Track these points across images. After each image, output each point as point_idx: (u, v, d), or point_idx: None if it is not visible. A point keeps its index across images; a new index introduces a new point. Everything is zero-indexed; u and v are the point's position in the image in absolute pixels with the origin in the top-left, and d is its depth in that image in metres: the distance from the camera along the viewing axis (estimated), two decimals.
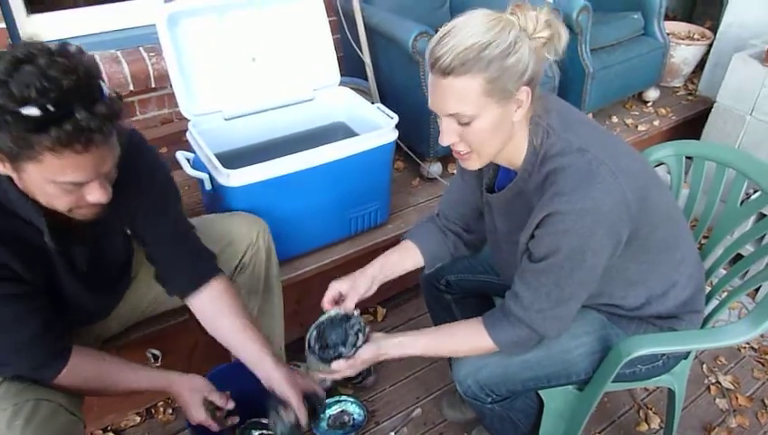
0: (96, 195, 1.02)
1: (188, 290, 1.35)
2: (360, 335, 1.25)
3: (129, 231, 1.34)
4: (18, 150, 0.91)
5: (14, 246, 1.07)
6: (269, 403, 1.33)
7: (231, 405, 1.37)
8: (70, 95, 0.90)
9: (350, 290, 1.33)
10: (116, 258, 1.36)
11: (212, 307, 1.36)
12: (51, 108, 0.88)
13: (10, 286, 1.09)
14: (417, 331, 1.29)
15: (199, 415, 1.32)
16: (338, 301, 1.33)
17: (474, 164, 1.17)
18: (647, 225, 1.15)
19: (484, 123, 1.08)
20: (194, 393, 1.33)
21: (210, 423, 1.33)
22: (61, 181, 0.97)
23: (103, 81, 0.98)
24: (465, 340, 1.26)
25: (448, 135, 1.12)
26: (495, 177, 1.30)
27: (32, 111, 0.88)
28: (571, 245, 1.08)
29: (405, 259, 1.43)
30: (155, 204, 1.29)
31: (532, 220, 1.11)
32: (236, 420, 1.41)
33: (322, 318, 1.28)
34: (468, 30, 1.03)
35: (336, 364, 1.22)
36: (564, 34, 1.08)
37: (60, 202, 1.02)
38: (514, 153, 1.16)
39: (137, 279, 1.47)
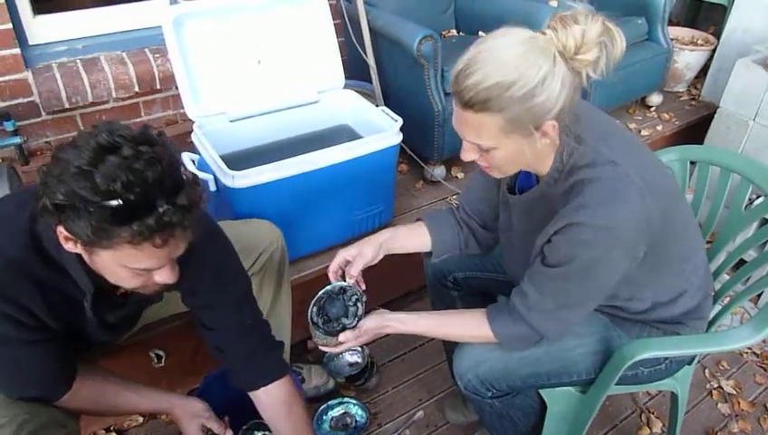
0: (164, 277, 1.02)
1: (249, 386, 1.33)
2: (360, 305, 1.27)
3: (188, 307, 1.32)
4: (96, 239, 0.90)
5: (49, 295, 1.06)
6: None
7: (228, 434, 1.41)
8: (154, 188, 0.89)
9: (357, 256, 1.32)
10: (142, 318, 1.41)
11: (277, 407, 1.33)
12: (134, 201, 0.87)
13: (36, 335, 1.09)
14: (420, 312, 1.30)
15: None
16: (344, 271, 1.32)
17: (495, 175, 1.18)
18: (663, 240, 1.15)
19: (503, 153, 1.08)
20: (192, 419, 1.37)
21: None
22: (134, 268, 0.97)
23: (183, 165, 0.98)
24: (466, 326, 1.27)
25: (468, 154, 1.12)
26: (516, 177, 1.30)
27: (115, 204, 0.86)
28: (586, 257, 1.08)
29: (414, 236, 1.43)
30: (219, 290, 1.26)
31: (552, 225, 1.11)
32: None
33: (320, 293, 1.29)
34: (495, 63, 0.98)
35: (343, 336, 1.23)
36: (620, 45, 1.00)
37: (129, 283, 1.02)
38: (540, 164, 1.15)
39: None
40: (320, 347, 1.28)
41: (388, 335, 1.29)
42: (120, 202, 0.86)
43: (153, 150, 0.91)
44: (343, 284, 1.29)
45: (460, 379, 1.33)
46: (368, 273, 1.35)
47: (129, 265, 0.96)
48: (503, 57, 0.99)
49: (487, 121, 1.02)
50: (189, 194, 0.94)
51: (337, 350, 1.27)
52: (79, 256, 1.01)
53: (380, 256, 1.36)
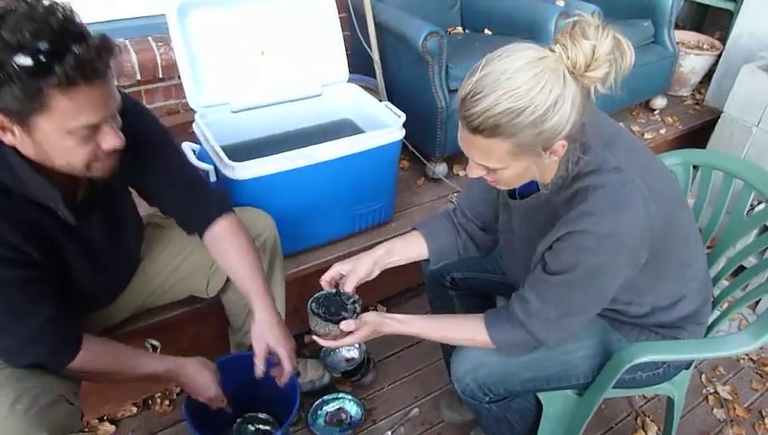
0: (110, 140, 1.03)
1: (201, 229, 1.39)
2: (357, 306, 1.26)
3: (137, 191, 1.35)
4: (28, 103, 0.91)
5: (26, 230, 1.06)
6: None
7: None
8: (62, 33, 0.91)
9: (351, 272, 1.31)
10: (128, 228, 1.37)
11: (220, 242, 1.39)
12: (48, 48, 0.89)
13: (25, 271, 1.08)
14: (418, 315, 1.29)
15: (218, 391, 1.38)
16: (337, 283, 1.32)
17: (501, 188, 1.18)
18: (665, 245, 1.14)
19: (510, 173, 1.07)
20: (207, 372, 1.37)
21: (223, 404, 1.40)
22: (75, 127, 0.97)
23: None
24: (463, 331, 1.25)
25: (475, 172, 1.10)
26: None
27: (30, 56, 0.88)
28: (589, 264, 1.07)
29: (410, 248, 1.41)
30: (157, 153, 1.30)
31: (554, 232, 1.09)
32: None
33: (318, 294, 1.29)
34: (503, 89, 0.95)
35: (345, 324, 1.21)
36: (629, 58, 0.98)
37: (78, 156, 1.02)
38: (545, 174, 1.14)
39: (141, 267, 1.47)
40: (319, 340, 1.27)
41: (384, 334, 1.27)
42: (35, 53, 0.88)
43: (47, 4, 0.93)
44: (339, 290, 1.30)
45: (458, 383, 1.33)
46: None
47: (69, 125, 0.96)
48: (513, 82, 0.95)
49: (496, 146, 1.00)
50: (102, 40, 0.96)
51: (336, 343, 1.26)
52: (30, 163, 1.02)
53: (376, 273, 1.34)
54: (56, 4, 0.94)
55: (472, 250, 1.45)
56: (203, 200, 1.40)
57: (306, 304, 1.27)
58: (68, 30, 0.92)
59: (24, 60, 0.88)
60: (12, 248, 1.04)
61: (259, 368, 1.36)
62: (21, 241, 1.05)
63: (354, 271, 1.30)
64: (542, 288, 1.14)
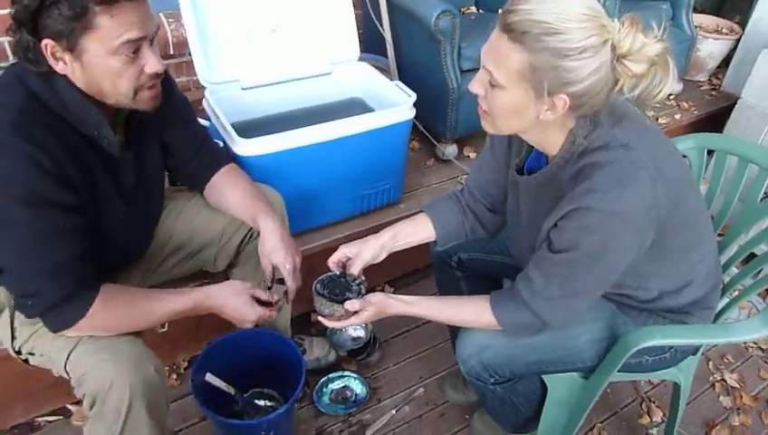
0: (152, 63, 1.10)
1: (204, 183, 1.47)
2: (362, 287, 1.27)
3: (163, 147, 1.39)
4: (74, 22, 0.99)
5: (70, 152, 1.09)
6: None
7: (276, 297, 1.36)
8: None
9: (357, 256, 1.32)
10: (156, 174, 1.39)
11: (223, 184, 1.46)
12: None
13: (63, 193, 1.08)
14: (427, 296, 1.29)
15: (257, 311, 1.29)
16: (344, 264, 1.33)
17: (486, 127, 1.14)
18: (671, 229, 1.13)
19: (506, 98, 1.04)
20: (239, 296, 1.29)
21: (271, 313, 1.32)
22: (118, 45, 1.04)
23: None
24: (469, 311, 1.25)
25: (477, 85, 1.08)
26: (526, 158, 1.27)
27: None
28: (593, 243, 1.06)
29: (417, 231, 1.41)
30: (180, 113, 1.40)
31: (558, 210, 1.08)
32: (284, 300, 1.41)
33: (323, 276, 1.30)
34: (554, 5, 0.95)
35: (350, 304, 1.21)
36: (668, 85, 0.99)
37: (125, 80, 1.09)
38: (549, 142, 1.13)
39: (157, 234, 1.49)
40: (324, 321, 1.27)
41: (389, 315, 1.27)
42: None
43: None
44: (344, 271, 1.31)
45: (463, 364, 1.33)
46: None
47: (113, 43, 1.03)
48: (565, 6, 0.95)
49: (513, 55, 0.98)
50: None
51: (341, 323, 1.26)
52: (78, 91, 1.09)
53: (382, 256, 1.35)
54: None
55: (480, 232, 1.45)
56: (211, 152, 1.48)
57: (312, 285, 1.27)
58: None
59: None
60: (51, 158, 1.05)
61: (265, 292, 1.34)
62: (65, 159, 1.07)
63: (360, 255, 1.32)
64: (546, 266, 1.13)
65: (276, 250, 1.36)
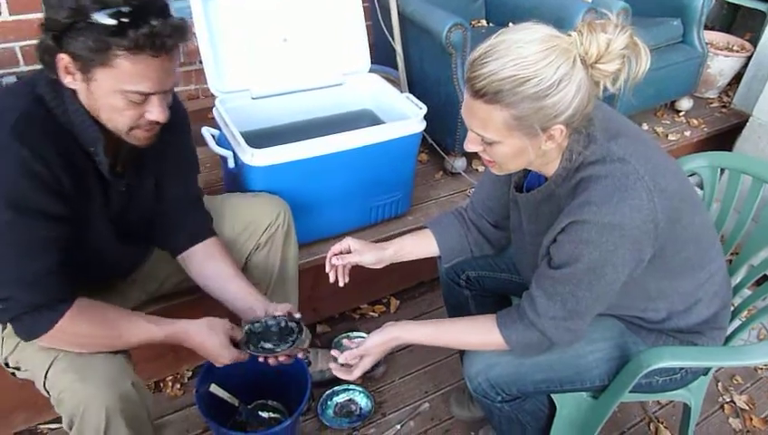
0: (156, 113, 1.09)
1: (186, 245, 1.41)
2: (292, 324, 1.32)
3: (155, 184, 1.35)
4: (95, 55, 1.00)
5: (67, 161, 1.09)
6: None
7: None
8: (147, 4, 1.00)
9: (357, 253, 1.34)
10: (143, 212, 1.35)
11: (204, 258, 1.41)
12: (130, 13, 0.98)
13: (58, 206, 1.08)
14: (429, 320, 1.28)
15: (232, 353, 1.26)
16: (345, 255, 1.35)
17: (496, 171, 1.16)
18: (673, 246, 1.12)
19: (505, 149, 1.06)
20: (217, 335, 1.26)
21: (244, 357, 1.28)
22: (128, 90, 1.04)
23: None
24: (475, 333, 1.24)
25: (472, 145, 1.10)
26: (525, 176, 1.27)
27: (111, 17, 0.97)
28: (591, 257, 1.05)
29: (420, 246, 1.42)
30: (183, 164, 1.39)
31: (557, 224, 1.08)
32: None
33: (250, 330, 1.31)
34: (512, 56, 0.96)
35: (342, 357, 1.24)
36: (644, 63, 0.99)
37: (122, 117, 1.09)
38: (546, 165, 1.13)
39: (155, 254, 1.48)
40: (336, 372, 1.29)
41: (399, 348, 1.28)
42: (117, 14, 0.97)
43: None
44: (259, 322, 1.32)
45: (470, 381, 1.31)
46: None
47: (124, 86, 1.03)
48: (522, 51, 0.96)
49: (495, 115, 1.00)
50: (181, 21, 1.05)
51: (350, 374, 1.27)
52: (81, 106, 1.09)
53: (382, 265, 1.37)
54: None
55: (486, 248, 1.44)
56: (202, 215, 1.45)
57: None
58: (154, 3, 1.01)
59: (105, 18, 0.97)
60: (46, 166, 1.05)
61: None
62: (60, 168, 1.07)
63: (359, 252, 1.34)
64: (547, 285, 1.12)
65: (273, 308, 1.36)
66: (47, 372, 1.15)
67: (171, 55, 1.06)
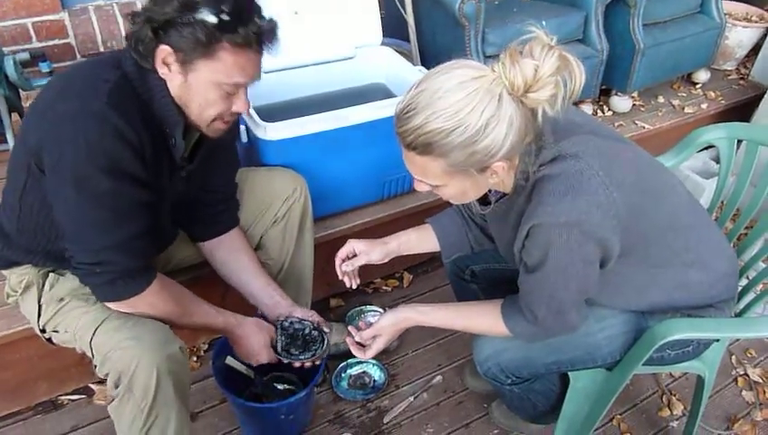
0: (241, 104, 1.17)
1: (213, 235, 1.48)
2: (323, 335, 1.48)
3: (203, 174, 1.40)
4: (201, 47, 1.05)
5: (151, 140, 1.13)
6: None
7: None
8: (253, 7, 1.10)
9: (364, 254, 1.36)
10: (187, 197, 1.39)
11: (229, 251, 1.49)
12: (233, 12, 1.05)
13: (145, 173, 1.12)
14: (442, 304, 1.30)
15: (270, 355, 1.43)
16: (350, 258, 1.37)
17: (453, 202, 1.18)
18: (643, 239, 1.11)
19: (451, 191, 1.07)
20: (263, 335, 1.42)
21: (275, 359, 1.44)
22: (225, 82, 1.11)
23: None
24: (482, 321, 1.26)
25: (420, 187, 1.09)
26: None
27: (216, 13, 1.03)
28: (557, 258, 1.04)
29: (423, 241, 1.44)
30: (230, 158, 1.47)
31: (521, 231, 1.07)
32: None
33: (279, 345, 1.45)
34: (433, 108, 0.93)
35: (358, 337, 1.30)
36: (579, 79, 0.94)
37: (212, 108, 1.15)
38: (502, 184, 1.12)
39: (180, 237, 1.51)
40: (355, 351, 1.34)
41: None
42: (222, 10, 1.04)
43: None
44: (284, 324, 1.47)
45: (480, 365, 1.33)
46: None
47: (224, 78, 1.10)
48: (443, 102, 0.93)
49: (431, 165, 0.99)
50: (274, 23, 1.14)
51: (366, 353, 1.31)
52: (168, 93, 1.13)
53: (386, 261, 1.39)
54: None
55: (485, 243, 1.44)
56: (235, 207, 1.52)
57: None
58: (258, 6, 1.11)
59: (210, 15, 1.03)
60: (139, 139, 1.09)
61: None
62: (145, 139, 1.11)
63: (366, 253, 1.36)
64: (527, 289, 1.14)
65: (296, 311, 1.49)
66: (95, 331, 1.19)
67: (263, 52, 1.14)
